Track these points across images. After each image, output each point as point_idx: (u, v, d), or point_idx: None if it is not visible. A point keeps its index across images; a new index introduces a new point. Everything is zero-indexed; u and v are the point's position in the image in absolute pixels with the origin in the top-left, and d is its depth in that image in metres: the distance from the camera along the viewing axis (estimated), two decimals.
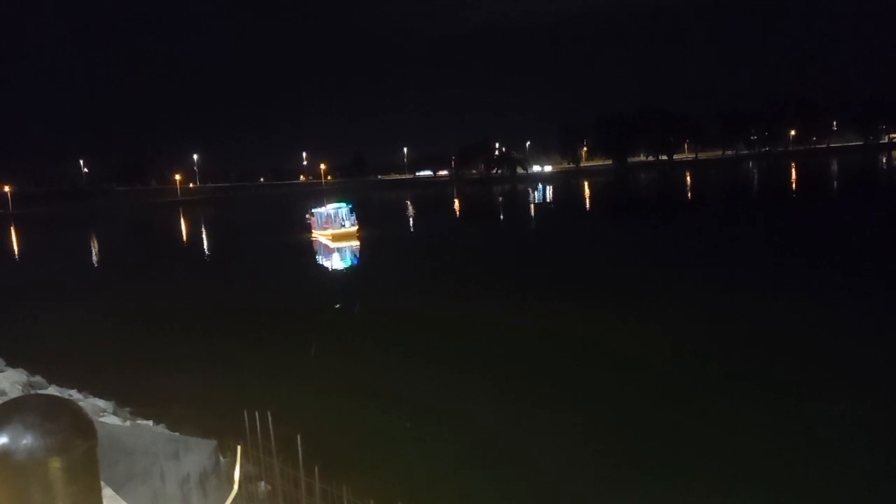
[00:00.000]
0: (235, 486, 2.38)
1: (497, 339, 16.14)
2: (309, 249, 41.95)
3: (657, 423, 10.79)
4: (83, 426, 1.18)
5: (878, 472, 8.83)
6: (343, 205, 45.68)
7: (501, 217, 64.85)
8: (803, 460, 9.26)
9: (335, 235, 43.24)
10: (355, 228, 44.22)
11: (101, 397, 11.94)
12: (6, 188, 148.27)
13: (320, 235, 45.35)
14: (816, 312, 16.61)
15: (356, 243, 41.54)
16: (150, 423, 10.23)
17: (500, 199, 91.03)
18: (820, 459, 9.24)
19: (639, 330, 16.08)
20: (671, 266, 25.48)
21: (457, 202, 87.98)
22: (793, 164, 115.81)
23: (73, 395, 12.05)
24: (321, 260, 38.32)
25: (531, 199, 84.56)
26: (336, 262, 36.57)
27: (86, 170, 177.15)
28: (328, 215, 45.17)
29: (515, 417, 11.40)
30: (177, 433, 8.26)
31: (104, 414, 10.50)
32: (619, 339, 15.40)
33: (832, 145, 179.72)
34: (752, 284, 20.56)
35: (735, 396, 11.60)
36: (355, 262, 36.57)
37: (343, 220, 44.27)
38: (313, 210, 49.07)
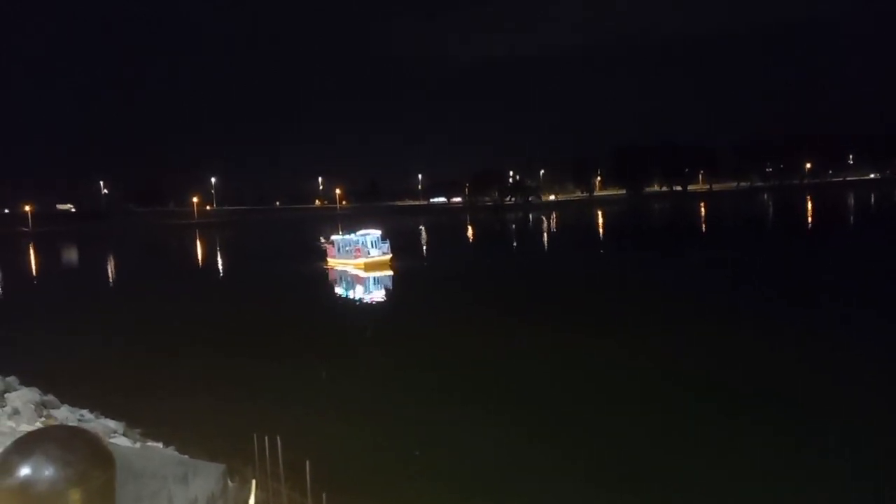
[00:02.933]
0: None
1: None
2: (341, 281, 37.68)
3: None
4: (102, 457, 1.22)
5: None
6: (373, 231, 42.03)
7: (515, 244, 64.79)
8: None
9: (368, 265, 39.48)
10: (389, 257, 40.73)
11: (112, 418, 11.99)
12: (27, 208, 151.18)
13: (345, 264, 41.24)
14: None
15: (390, 273, 38.23)
16: (160, 444, 10.24)
17: (514, 226, 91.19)
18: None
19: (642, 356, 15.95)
20: (669, 296, 25.31)
21: (476, 230, 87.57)
22: (808, 197, 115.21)
23: (85, 415, 12.11)
24: (360, 293, 33.26)
25: (544, 227, 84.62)
26: (379, 295, 32.78)
27: (105, 191, 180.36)
28: (357, 243, 41.20)
29: (529, 445, 11.27)
30: (186, 456, 8.26)
31: (115, 435, 10.53)
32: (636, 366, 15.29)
33: (848, 178, 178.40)
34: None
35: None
36: (397, 294, 33.11)
37: (374, 247, 40.68)
38: (332, 237, 45.11)
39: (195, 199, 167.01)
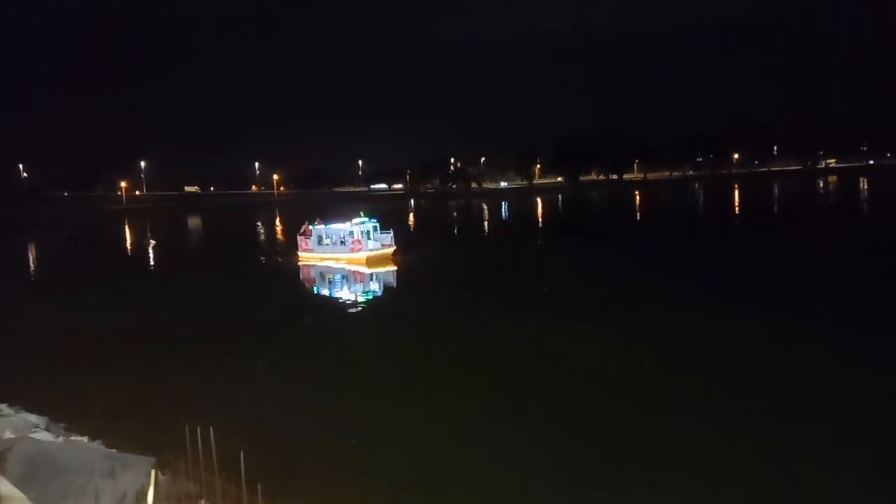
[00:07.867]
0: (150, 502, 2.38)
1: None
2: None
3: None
4: None
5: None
6: (369, 220, 37.18)
7: (456, 231, 65.10)
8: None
9: (370, 259, 35.09)
10: (392, 250, 36.60)
11: (33, 412, 11.46)
12: None
13: (336, 259, 36.17)
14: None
15: (393, 268, 34.02)
16: (86, 439, 9.86)
17: (455, 213, 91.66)
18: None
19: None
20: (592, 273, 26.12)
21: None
22: (736, 186, 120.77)
23: (3, 409, 11.55)
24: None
25: (485, 215, 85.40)
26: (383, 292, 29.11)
27: (25, 174, 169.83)
28: (351, 233, 36.09)
29: (474, 427, 11.43)
30: (114, 450, 8.01)
31: (36, 430, 10.08)
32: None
33: (773, 169, 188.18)
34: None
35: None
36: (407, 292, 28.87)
37: (372, 239, 36.34)
38: (310, 227, 38.76)
39: (124, 184, 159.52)
